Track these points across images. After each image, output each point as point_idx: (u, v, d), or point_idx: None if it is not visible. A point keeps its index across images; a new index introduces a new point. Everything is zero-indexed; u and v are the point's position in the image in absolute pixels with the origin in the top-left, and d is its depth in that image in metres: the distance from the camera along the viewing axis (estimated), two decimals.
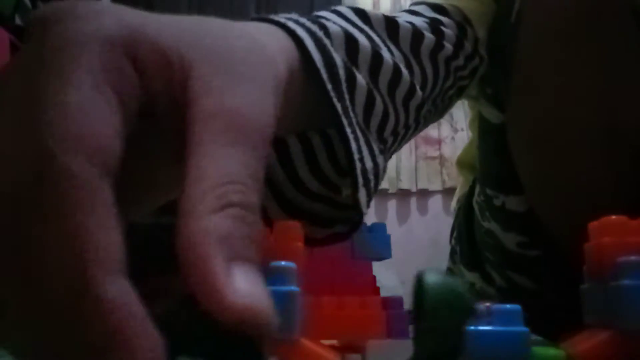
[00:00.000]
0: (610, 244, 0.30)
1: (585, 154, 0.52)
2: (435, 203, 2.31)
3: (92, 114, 0.16)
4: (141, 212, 0.28)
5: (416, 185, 2.29)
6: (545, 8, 0.51)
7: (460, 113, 2.29)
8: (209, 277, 0.16)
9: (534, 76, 0.53)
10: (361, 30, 0.38)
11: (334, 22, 0.38)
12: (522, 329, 0.28)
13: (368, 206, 0.34)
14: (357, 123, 0.32)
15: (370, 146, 0.34)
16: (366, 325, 0.27)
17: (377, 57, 0.36)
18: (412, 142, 2.25)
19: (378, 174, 0.35)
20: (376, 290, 0.36)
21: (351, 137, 0.30)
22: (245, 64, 0.22)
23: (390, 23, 0.42)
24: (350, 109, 0.31)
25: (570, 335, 0.31)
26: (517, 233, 0.60)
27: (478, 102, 0.62)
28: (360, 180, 0.31)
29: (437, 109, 0.51)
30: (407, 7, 0.54)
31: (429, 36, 0.45)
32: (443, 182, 2.27)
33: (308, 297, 0.32)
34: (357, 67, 0.34)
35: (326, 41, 0.33)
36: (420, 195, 2.31)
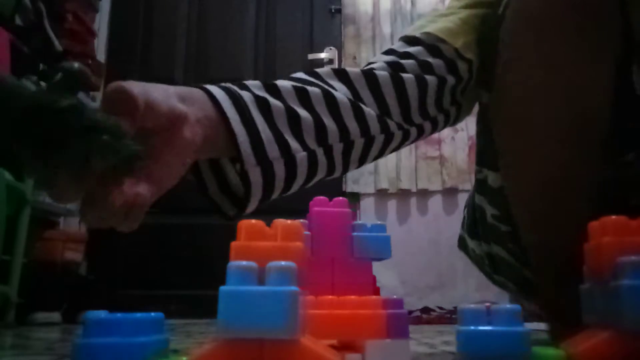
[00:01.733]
0: (610, 244, 0.30)
1: (555, 139, 0.54)
2: (435, 203, 2.30)
3: None
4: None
5: (416, 185, 2.28)
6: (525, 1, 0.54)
7: None
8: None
9: (512, 62, 0.56)
10: (315, 84, 0.50)
11: (297, 79, 0.50)
12: (522, 329, 0.28)
13: (261, 198, 0.46)
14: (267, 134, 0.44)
15: (283, 146, 0.45)
16: (366, 325, 0.27)
17: (328, 95, 0.49)
18: None
19: (295, 167, 0.46)
20: (376, 290, 0.36)
21: (244, 139, 0.42)
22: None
23: (366, 74, 0.53)
24: (261, 124, 0.44)
25: (570, 336, 0.31)
26: (492, 206, 0.66)
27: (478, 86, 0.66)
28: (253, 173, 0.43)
29: (434, 117, 0.58)
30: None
31: (388, 72, 0.54)
32: (443, 182, 2.27)
33: (308, 297, 0.32)
34: (303, 103, 0.47)
35: (239, 92, 0.44)
36: (420, 195, 2.31)
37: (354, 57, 2.37)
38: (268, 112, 0.44)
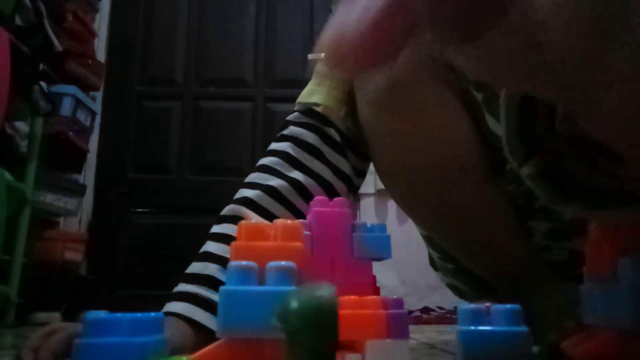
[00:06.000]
0: (610, 244, 0.30)
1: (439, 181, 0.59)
2: None
3: None
4: None
5: None
6: (362, 91, 0.60)
7: None
8: None
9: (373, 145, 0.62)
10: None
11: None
12: (522, 329, 0.28)
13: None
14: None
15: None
16: (366, 325, 0.27)
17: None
18: None
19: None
20: (376, 290, 0.36)
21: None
22: None
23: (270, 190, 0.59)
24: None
25: (570, 335, 0.31)
26: (433, 250, 0.73)
27: None
28: None
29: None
30: None
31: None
32: None
33: None
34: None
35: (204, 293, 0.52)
36: None
37: None
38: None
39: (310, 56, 2.42)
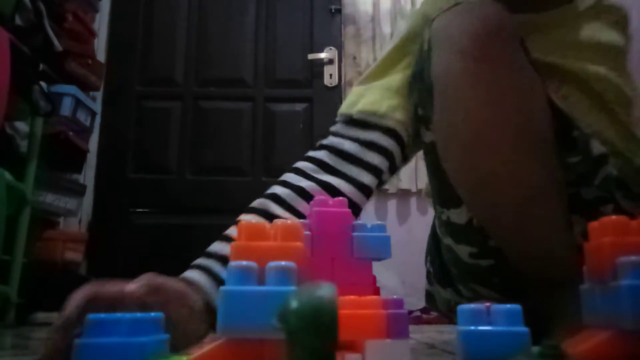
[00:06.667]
0: (610, 244, 0.30)
1: (505, 150, 0.54)
2: None
3: None
4: None
5: (416, 185, 2.28)
6: (447, 33, 0.57)
7: None
8: None
9: (448, 92, 0.57)
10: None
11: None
12: (522, 329, 0.28)
13: None
14: None
15: None
16: (366, 325, 0.27)
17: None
18: None
19: None
20: (376, 290, 0.36)
21: None
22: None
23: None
24: None
25: (570, 335, 0.31)
26: (466, 244, 0.64)
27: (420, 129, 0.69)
28: None
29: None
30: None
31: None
32: None
33: None
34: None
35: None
36: (420, 195, 2.31)
37: (354, 57, 2.37)
38: None
39: (310, 56, 2.42)
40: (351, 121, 0.66)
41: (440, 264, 0.73)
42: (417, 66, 0.64)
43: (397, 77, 0.68)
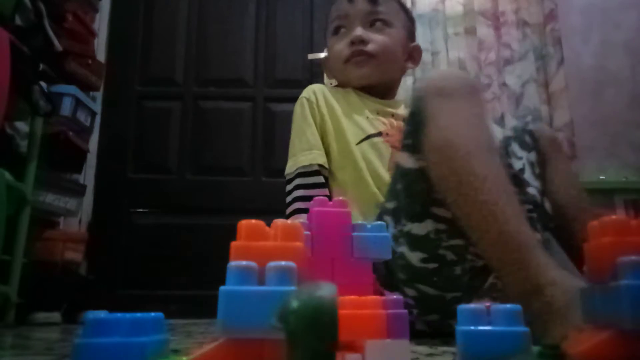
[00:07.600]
0: (610, 244, 0.30)
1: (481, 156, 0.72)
2: None
3: None
4: None
5: None
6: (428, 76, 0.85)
7: None
8: None
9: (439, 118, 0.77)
10: None
11: None
12: (522, 329, 0.28)
13: None
14: None
15: None
16: (366, 325, 0.27)
17: None
18: None
19: None
20: (378, 290, 0.36)
21: None
22: None
23: None
24: None
25: (570, 336, 0.31)
26: (419, 251, 0.82)
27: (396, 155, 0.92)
28: None
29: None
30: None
31: None
32: None
33: None
34: None
35: None
36: None
37: None
38: None
39: (310, 56, 2.42)
40: (299, 174, 1.02)
41: (387, 271, 0.87)
42: (412, 108, 0.83)
43: (310, 137, 1.05)
